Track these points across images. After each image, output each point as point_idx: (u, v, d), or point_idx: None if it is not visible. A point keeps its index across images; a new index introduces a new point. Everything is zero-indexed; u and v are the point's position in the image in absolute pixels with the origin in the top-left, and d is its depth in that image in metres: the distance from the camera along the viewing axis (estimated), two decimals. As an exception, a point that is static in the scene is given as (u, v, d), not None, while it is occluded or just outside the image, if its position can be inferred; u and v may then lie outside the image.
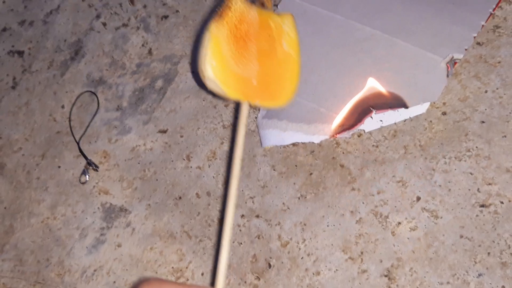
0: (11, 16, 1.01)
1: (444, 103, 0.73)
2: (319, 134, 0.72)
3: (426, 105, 0.71)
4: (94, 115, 0.86)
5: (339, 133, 0.72)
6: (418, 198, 0.69)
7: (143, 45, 0.90)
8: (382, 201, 0.70)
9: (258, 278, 0.70)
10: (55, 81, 0.92)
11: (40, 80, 0.93)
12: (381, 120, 0.71)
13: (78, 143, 0.85)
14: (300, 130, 0.72)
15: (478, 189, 0.67)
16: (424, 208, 0.68)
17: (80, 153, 0.84)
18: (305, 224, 0.71)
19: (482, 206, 0.66)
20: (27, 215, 0.83)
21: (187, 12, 0.91)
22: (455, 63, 0.71)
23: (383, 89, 0.71)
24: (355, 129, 0.72)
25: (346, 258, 0.68)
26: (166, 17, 0.91)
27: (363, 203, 0.70)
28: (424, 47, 0.72)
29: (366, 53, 0.72)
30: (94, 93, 0.88)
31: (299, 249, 0.70)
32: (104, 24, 0.94)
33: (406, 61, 0.72)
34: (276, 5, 0.84)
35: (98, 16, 0.95)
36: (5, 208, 0.85)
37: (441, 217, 0.67)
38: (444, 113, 0.72)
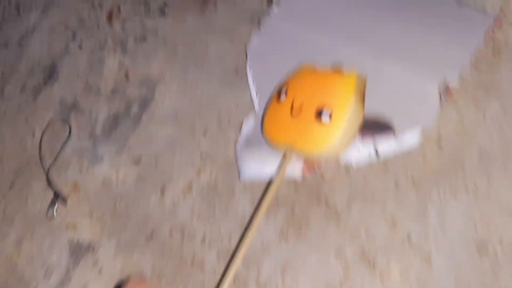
0: (-15, 37, 0.96)
1: (439, 134, 0.66)
2: (300, 169, 0.66)
3: (418, 137, 0.64)
4: (65, 143, 0.81)
5: (318, 167, 0.66)
6: (409, 238, 0.62)
7: (119, 69, 0.85)
8: (369, 241, 0.63)
9: (233, 326, 0.63)
10: (27, 106, 0.86)
11: (12, 105, 0.87)
12: (370, 154, 0.65)
13: (46, 175, 0.79)
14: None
15: (475, 230, 0.60)
16: (416, 250, 0.61)
17: (48, 184, 0.78)
18: (285, 267, 0.65)
19: (480, 248, 0.59)
20: (-9, 253, 0.77)
21: (167, 33, 0.85)
22: (449, 89, 0.65)
23: (368, 114, 0.65)
24: (338, 162, 0.65)
25: (330, 306, 0.62)
26: (144, 38, 0.86)
27: (349, 243, 0.64)
28: (415, 71, 0.66)
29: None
30: (66, 121, 0.82)
31: (279, 294, 0.63)
32: (80, 47, 0.89)
33: (395, 86, 0.66)
34: (259, 27, 0.78)
35: (74, 38, 0.90)
36: (-32, 243, 0.79)
37: (435, 260, 0.60)
38: (439, 145, 0.66)
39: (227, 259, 0.67)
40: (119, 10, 0.89)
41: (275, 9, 0.77)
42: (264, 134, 0.65)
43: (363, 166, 0.67)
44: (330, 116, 0.60)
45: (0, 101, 0.89)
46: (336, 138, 0.60)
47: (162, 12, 0.87)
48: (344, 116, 0.60)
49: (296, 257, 0.65)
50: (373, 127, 0.65)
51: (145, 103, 0.80)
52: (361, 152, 0.65)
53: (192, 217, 0.71)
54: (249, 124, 0.72)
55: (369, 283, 0.61)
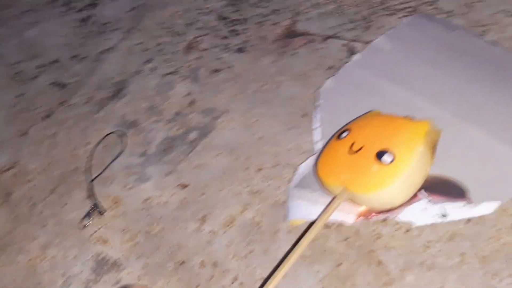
0: (65, 50, 0.98)
1: (518, 210, 0.59)
2: (354, 213, 0.59)
3: (494, 204, 0.57)
4: (116, 157, 0.78)
5: (375, 213, 0.59)
6: (469, 321, 0.54)
7: (186, 95, 0.83)
8: (422, 315, 0.55)
9: None
10: (88, 117, 0.85)
11: (74, 115, 0.87)
12: (436, 215, 0.58)
13: (89, 184, 0.76)
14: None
15: (550, 324, 0.52)
16: (475, 335, 0.53)
17: (89, 194, 0.75)
18: (320, 324, 0.57)
19: None
20: (17, 250, 0.73)
21: (241, 69, 0.83)
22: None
23: (442, 175, 0.58)
24: (397, 214, 0.58)
25: None
26: (217, 70, 0.84)
27: (397, 312, 0.56)
28: (501, 138, 0.60)
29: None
30: (122, 136, 0.80)
31: None
32: (153, 69, 0.88)
33: (477, 150, 0.60)
34: (333, 75, 0.75)
35: (149, 61, 0.90)
36: (-3, 238, 0.76)
37: None
38: (516, 222, 0.58)
39: (257, 304, 0.60)
40: (198, 41, 0.89)
41: (356, 56, 0.74)
42: (317, 172, 0.60)
43: (427, 230, 0.60)
44: (393, 159, 0.54)
45: (65, 109, 0.88)
46: (396, 182, 0.53)
47: (241, 49, 0.86)
48: (409, 160, 0.54)
49: (335, 316, 0.57)
50: (446, 189, 0.58)
51: (204, 132, 0.77)
52: (427, 211, 0.58)
53: (228, 252, 0.65)
54: (307, 166, 0.67)
55: None
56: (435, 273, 0.57)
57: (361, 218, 0.59)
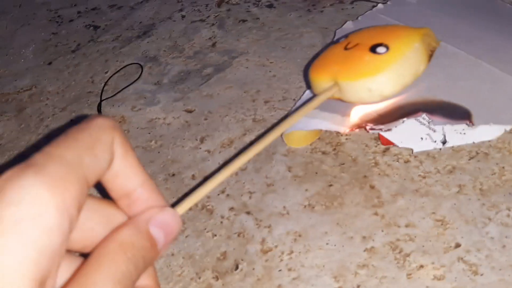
0: (106, 0, 1.01)
1: (526, 153, 0.56)
2: (347, 125, 0.56)
3: (498, 130, 0.54)
4: (131, 83, 0.78)
5: (371, 124, 0.56)
6: (458, 245, 0.50)
7: (210, 38, 0.83)
8: (408, 235, 0.52)
9: (216, 278, 0.53)
10: (112, 51, 0.87)
11: (100, 49, 0.88)
12: (435, 141, 0.55)
13: (100, 102, 0.76)
14: (330, 120, 0.58)
15: (545, 255, 0.47)
16: (462, 259, 0.49)
17: (97, 112, 0.75)
18: (300, 235, 0.54)
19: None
20: (16, 155, 0.74)
21: (267, 21, 0.84)
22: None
23: (446, 99, 0.56)
24: (392, 126, 0.55)
25: (336, 287, 0.49)
26: (244, 20, 0.85)
27: (382, 231, 0.53)
28: (512, 73, 0.57)
29: (439, 67, 0.58)
30: (140, 66, 0.81)
31: (281, 260, 0.53)
32: (183, 16, 0.89)
33: (487, 83, 0.57)
34: (357, 18, 0.74)
35: (181, 10, 0.91)
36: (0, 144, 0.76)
37: (482, 275, 0.47)
38: (523, 163, 0.55)
39: (240, 213, 0.58)
40: (231, -3, 0.91)
41: (379, 5, 0.73)
42: (309, 76, 0.56)
43: (426, 162, 0.57)
44: (387, 50, 0.50)
45: (92, 44, 0.90)
46: (386, 69, 0.50)
47: (271, 5, 0.87)
48: (402, 51, 0.50)
49: (316, 229, 0.54)
50: (449, 112, 0.55)
51: (220, 68, 0.77)
52: (427, 137, 0.55)
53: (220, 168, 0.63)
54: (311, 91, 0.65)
55: (392, 276, 0.49)
56: (429, 200, 0.54)
57: (356, 129, 0.57)
